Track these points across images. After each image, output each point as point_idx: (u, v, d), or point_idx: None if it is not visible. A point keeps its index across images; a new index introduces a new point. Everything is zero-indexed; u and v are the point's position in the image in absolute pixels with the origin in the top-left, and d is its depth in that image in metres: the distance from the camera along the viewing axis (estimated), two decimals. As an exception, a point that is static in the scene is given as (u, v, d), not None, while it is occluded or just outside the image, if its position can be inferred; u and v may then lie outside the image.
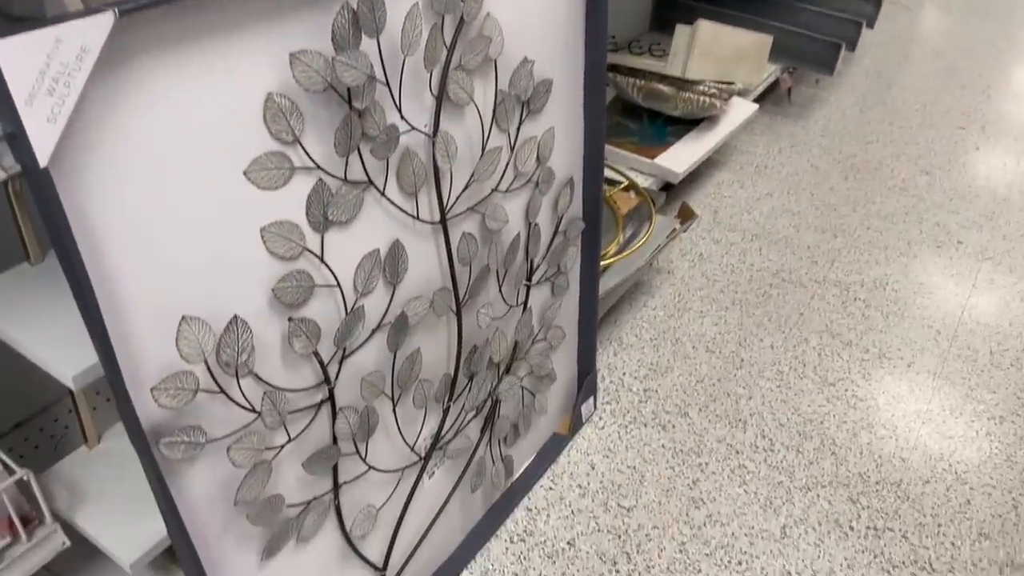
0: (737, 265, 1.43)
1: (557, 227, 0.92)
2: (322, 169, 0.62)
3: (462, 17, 0.68)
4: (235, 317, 0.57)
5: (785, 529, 0.99)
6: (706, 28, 1.41)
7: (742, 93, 1.68)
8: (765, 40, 1.65)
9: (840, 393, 1.17)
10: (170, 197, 0.53)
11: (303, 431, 0.67)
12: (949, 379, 1.20)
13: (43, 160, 0.45)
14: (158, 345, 0.54)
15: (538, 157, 0.83)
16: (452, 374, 0.82)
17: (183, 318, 0.54)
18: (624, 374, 1.19)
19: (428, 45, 0.65)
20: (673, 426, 1.11)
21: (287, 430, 0.65)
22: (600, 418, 1.12)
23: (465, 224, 0.77)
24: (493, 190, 0.79)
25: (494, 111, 0.75)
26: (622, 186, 1.37)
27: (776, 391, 1.17)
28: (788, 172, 1.70)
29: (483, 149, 0.75)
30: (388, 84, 0.63)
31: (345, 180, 0.64)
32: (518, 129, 0.80)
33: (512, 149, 0.80)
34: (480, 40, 0.70)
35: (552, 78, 0.82)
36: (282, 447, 0.65)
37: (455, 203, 0.75)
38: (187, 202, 0.54)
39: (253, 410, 0.61)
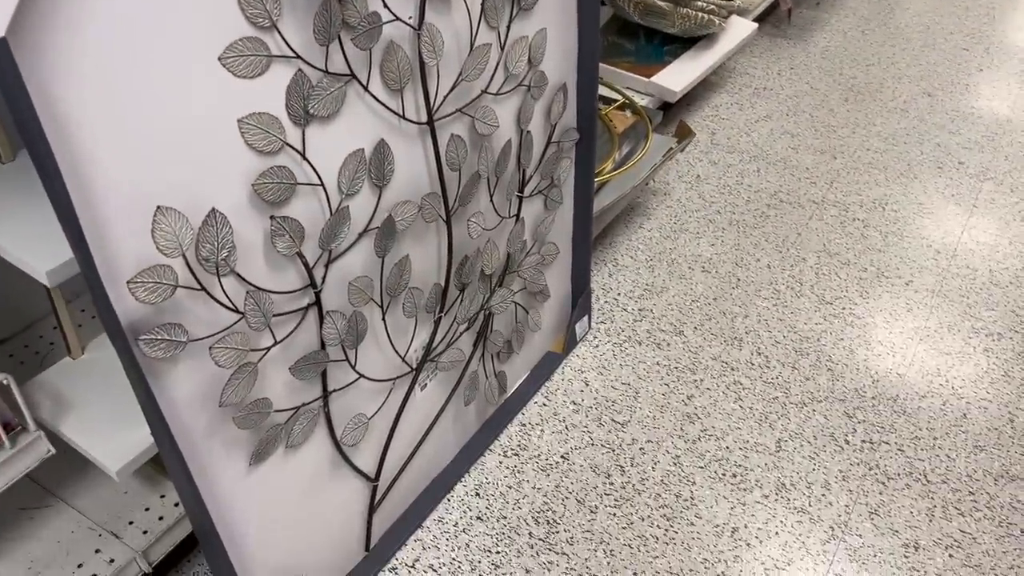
0: (734, 187, 1.40)
1: (550, 137, 0.89)
2: (301, 58, 0.59)
3: (448, -100, 0.64)
4: (213, 210, 0.55)
5: (780, 443, 0.98)
6: (705, -61, 1.36)
7: (741, 12, 1.63)
8: (766, -44, 1.59)
9: (837, 311, 1.16)
10: (142, 80, 0.50)
11: (289, 335, 0.65)
12: (947, 297, 1.19)
13: (1, 29, 0.42)
14: (135, 238, 0.52)
15: (530, 59, 0.80)
16: (443, 284, 0.80)
17: (158, 208, 0.52)
18: (619, 294, 1.18)
19: (412, -73, 0.62)
20: (668, 344, 1.10)
21: (272, 333, 0.63)
22: (595, 337, 1.11)
23: (454, 127, 0.74)
24: (483, 91, 0.76)
25: (483, 5, 0.72)
26: (617, 104, 1.33)
27: (772, 310, 1.16)
28: (787, 94, 1.67)
29: (471, 46, 0.72)
30: (368, -32, 0.60)
31: (326, 72, 0.61)
32: (508, 26, 0.76)
33: (502, 48, 0.77)
34: (467, -73, 0.67)
35: (544, -26, 0.78)
36: (268, 350, 0.63)
37: (443, 103, 0.72)
38: (160, 86, 0.51)
39: (236, 310, 0.60)
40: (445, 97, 0.72)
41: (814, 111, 1.61)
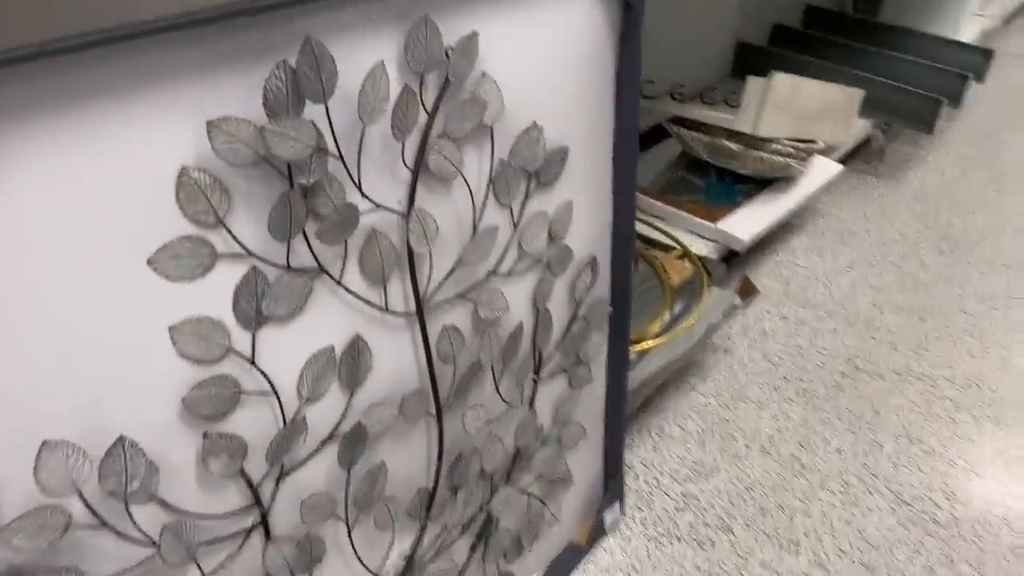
0: (806, 348, 1.26)
1: (575, 312, 0.79)
2: (255, 256, 0.51)
3: (447, 78, 0.57)
4: (120, 440, 0.47)
5: None
6: (782, 81, 1.27)
7: (826, 151, 1.52)
8: (855, 94, 1.48)
9: (917, 516, 1.00)
10: (41, 290, 0.43)
11: (225, 561, 0.56)
12: (1053, 507, 1.01)
13: None
14: (22, 476, 0.44)
15: (550, 235, 0.71)
16: (431, 488, 0.70)
17: (44, 444, 0.44)
18: (661, 473, 1.04)
19: (398, 111, 0.54)
20: (712, 543, 0.96)
21: (199, 565, 0.54)
22: (627, 527, 0.98)
23: (450, 314, 0.65)
24: (490, 273, 0.67)
25: (491, 184, 0.64)
26: (676, 253, 1.23)
27: (839, 507, 1.00)
28: (874, 241, 1.53)
29: (475, 228, 0.64)
30: (341, 157, 0.52)
31: (288, 268, 0.53)
32: (523, 204, 0.68)
33: (515, 226, 0.68)
34: (472, 104, 0.59)
35: (568, 146, 0.69)
36: (192, 585, 0.54)
37: (437, 290, 0.63)
38: (67, 299, 0.44)
39: (151, 543, 0.51)
40: (440, 284, 0.63)
41: (903, 262, 1.47)
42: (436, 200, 0.61)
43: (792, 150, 1.35)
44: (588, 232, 0.77)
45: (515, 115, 0.64)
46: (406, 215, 0.58)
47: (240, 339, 0.52)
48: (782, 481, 1.03)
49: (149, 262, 0.47)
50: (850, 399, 1.16)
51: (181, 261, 0.48)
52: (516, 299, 0.71)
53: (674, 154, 1.57)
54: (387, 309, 0.60)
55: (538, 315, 0.74)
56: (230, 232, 0.49)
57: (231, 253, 0.50)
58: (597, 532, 0.96)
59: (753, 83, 1.28)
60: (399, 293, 0.61)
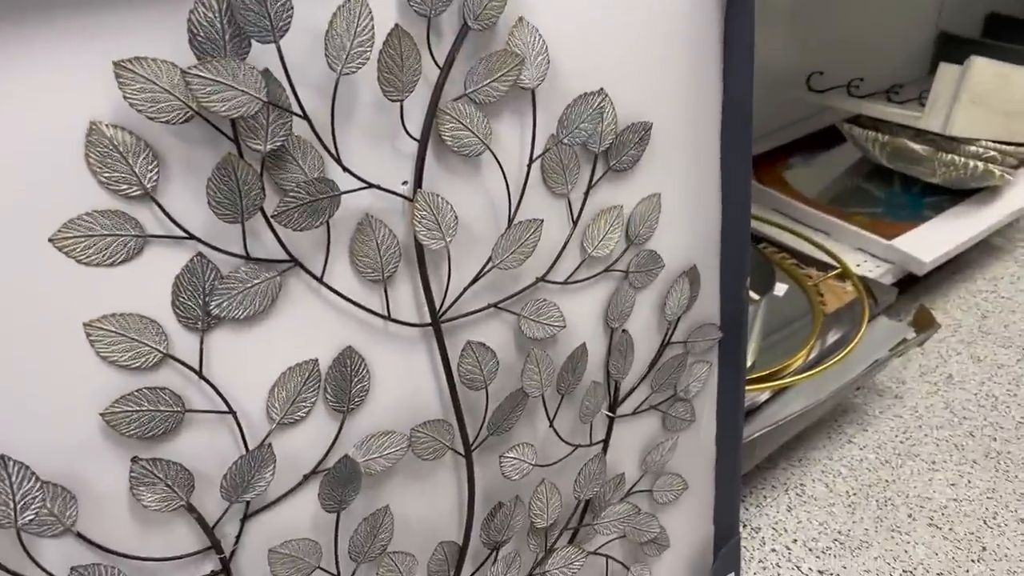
0: (1003, 399, 1.01)
1: (668, 335, 0.63)
2: (199, 239, 0.41)
3: (464, 22, 0.44)
4: (2, 459, 0.38)
5: None
6: (983, 68, 1.03)
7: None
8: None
9: None
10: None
11: (170, 617, 0.46)
12: None
13: None
14: None
15: (628, 236, 0.56)
16: (460, 543, 0.56)
17: None
18: (795, 541, 0.85)
19: (386, 59, 0.42)
20: (851, 639, 0.76)
21: (129, 618, 0.44)
22: (743, 603, 0.80)
23: (481, 329, 0.52)
24: (540, 279, 0.53)
25: (534, 166, 0.50)
26: (835, 273, 1.02)
27: (1034, 610, 0.77)
28: (1106, 269, 1.23)
29: (510, 220, 0.50)
30: (307, 117, 0.41)
31: (247, 257, 0.42)
32: (586, 194, 0.53)
33: (574, 222, 0.54)
34: (505, 58, 0.46)
35: (650, 121, 0.54)
36: (117, 645, 0.44)
37: (459, 297, 0.50)
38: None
39: (60, 590, 0.41)
40: (464, 290, 0.50)
41: None
42: (457, 182, 0.48)
43: (995, 154, 1.10)
44: (685, 235, 0.61)
45: (571, 76, 0.50)
46: (411, 198, 0.46)
47: (184, 343, 0.42)
48: (954, 566, 0.81)
49: (51, 240, 0.37)
50: (1060, 468, 0.91)
51: (96, 241, 0.38)
52: (580, 315, 0.57)
53: (851, 160, 1.35)
54: (389, 317, 0.48)
55: (612, 337, 0.59)
56: (161, 207, 0.39)
57: (167, 235, 0.40)
58: (703, 608, 0.78)
59: (945, 71, 1.05)
60: (409, 298, 0.49)
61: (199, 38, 0.37)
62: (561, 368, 0.56)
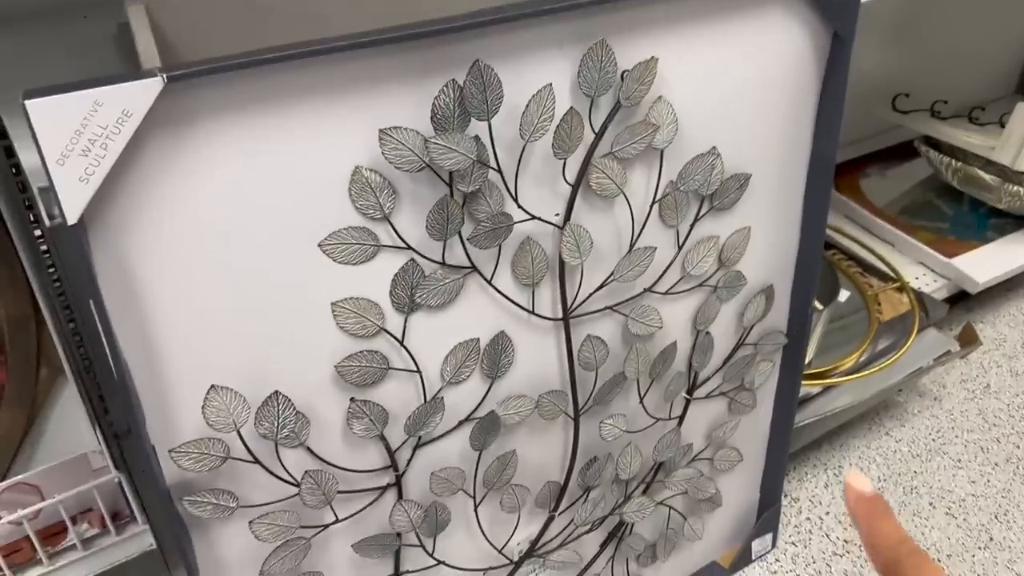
0: (1033, 412, 1.13)
1: (742, 338, 0.78)
2: (413, 250, 0.56)
3: (618, 101, 0.58)
4: (275, 393, 0.55)
5: None
6: (1058, 110, 1.12)
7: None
8: None
9: (1122, 627, 0.87)
10: (228, 261, 0.51)
11: (358, 513, 0.63)
12: None
13: (72, 217, 0.45)
14: (194, 409, 0.54)
15: (720, 259, 0.71)
16: (561, 483, 0.73)
17: (212, 387, 0.53)
18: (827, 513, 1.00)
19: (560, 131, 0.57)
20: (864, 598, 0.91)
21: (334, 511, 0.62)
22: (777, 560, 0.95)
23: (599, 324, 0.67)
24: (647, 290, 0.68)
25: (655, 205, 0.64)
26: (895, 285, 1.14)
27: (1025, 595, 0.91)
28: None
29: (631, 246, 0.65)
30: (500, 170, 0.56)
31: (443, 263, 0.58)
32: (692, 226, 0.68)
33: (679, 247, 0.68)
34: (643, 127, 0.60)
35: (750, 173, 0.68)
36: (325, 527, 0.62)
37: (586, 300, 0.65)
38: (248, 269, 0.52)
39: (296, 484, 0.59)
40: (590, 295, 0.65)
41: None
42: (596, 216, 0.63)
43: (1061, 187, 1.19)
44: (767, 260, 0.75)
45: (692, 138, 0.64)
46: (561, 227, 0.61)
47: (393, 321, 0.58)
48: (962, 550, 0.95)
49: (320, 245, 0.54)
50: (1073, 479, 1.03)
51: (348, 247, 0.54)
52: (674, 318, 0.72)
53: (925, 175, 1.44)
54: (533, 312, 0.64)
55: (697, 337, 0.74)
56: (393, 227, 0.55)
57: (393, 245, 0.56)
58: (743, 559, 0.94)
59: (1021, 111, 1.14)
60: (548, 299, 0.64)
61: (437, 116, 0.52)
62: (655, 358, 0.71)
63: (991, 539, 0.96)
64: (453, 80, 0.52)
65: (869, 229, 1.29)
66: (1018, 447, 1.07)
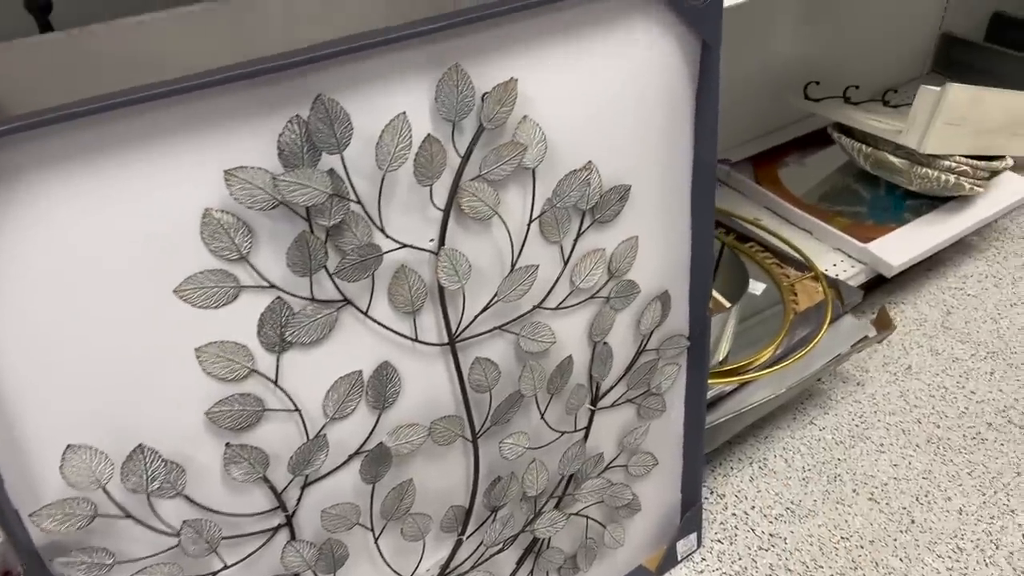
0: (952, 390, 1.15)
1: (642, 345, 0.77)
2: (279, 288, 0.55)
3: (481, 125, 0.57)
4: (139, 447, 0.53)
5: None
6: (958, 95, 1.13)
7: (1020, 168, 1.35)
8: (1063, 103, 1.30)
9: (1038, 600, 0.89)
10: (76, 313, 0.50)
11: (248, 557, 0.62)
12: None
13: None
14: (55, 468, 0.52)
15: (609, 270, 0.70)
16: (466, 506, 0.72)
17: (68, 447, 0.51)
18: (753, 507, 1.00)
19: (420, 159, 0.56)
20: (788, 591, 0.91)
21: (221, 557, 0.60)
22: (703, 559, 0.95)
23: (488, 345, 0.67)
24: (536, 307, 0.67)
25: (533, 223, 0.64)
26: (810, 274, 1.15)
27: (943, 574, 0.92)
28: (1069, 272, 1.34)
29: (512, 266, 0.64)
30: (360, 202, 0.55)
31: (312, 299, 0.57)
32: (575, 241, 0.67)
33: (565, 262, 0.67)
34: (511, 148, 0.59)
35: (629, 184, 0.68)
36: (215, 574, 0.60)
37: (472, 323, 0.65)
38: (101, 319, 0.50)
39: (175, 534, 0.57)
40: (475, 317, 0.65)
41: (1101, 301, 1.28)
42: (473, 238, 0.62)
43: (968, 168, 1.21)
44: (660, 267, 0.75)
45: (565, 154, 0.63)
46: (436, 252, 0.60)
47: (265, 361, 0.57)
48: (885, 535, 0.96)
49: (175, 291, 0.52)
50: (990, 455, 1.05)
51: (207, 291, 0.53)
52: (568, 332, 0.71)
53: (842, 161, 1.46)
54: (417, 340, 0.63)
55: (595, 349, 0.73)
56: (253, 267, 0.54)
57: (256, 285, 0.54)
58: (668, 561, 0.94)
59: (924, 95, 1.15)
60: (432, 324, 0.63)
61: (285, 153, 0.51)
62: (551, 374, 0.71)
63: (912, 522, 0.97)
64: (297, 116, 0.51)
65: (788, 219, 1.30)
66: (938, 427, 1.09)
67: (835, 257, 1.24)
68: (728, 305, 1.01)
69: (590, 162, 0.64)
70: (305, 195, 0.52)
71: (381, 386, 0.62)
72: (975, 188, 1.22)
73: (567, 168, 0.64)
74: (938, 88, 1.14)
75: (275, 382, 0.58)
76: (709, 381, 0.96)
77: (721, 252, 1.09)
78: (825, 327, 1.03)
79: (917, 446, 1.07)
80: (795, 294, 1.11)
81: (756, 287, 1.11)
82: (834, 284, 1.13)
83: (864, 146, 1.26)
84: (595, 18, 0.61)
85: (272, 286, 0.55)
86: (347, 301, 0.58)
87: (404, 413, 0.65)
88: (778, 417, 1.11)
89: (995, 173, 1.25)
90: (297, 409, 0.59)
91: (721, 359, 1.01)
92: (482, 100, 0.57)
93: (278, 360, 0.57)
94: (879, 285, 1.31)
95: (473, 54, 0.56)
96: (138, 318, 0.52)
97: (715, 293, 1.09)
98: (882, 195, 1.36)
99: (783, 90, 1.44)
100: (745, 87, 1.41)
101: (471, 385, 0.66)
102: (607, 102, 0.64)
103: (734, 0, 0.77)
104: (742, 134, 1.48)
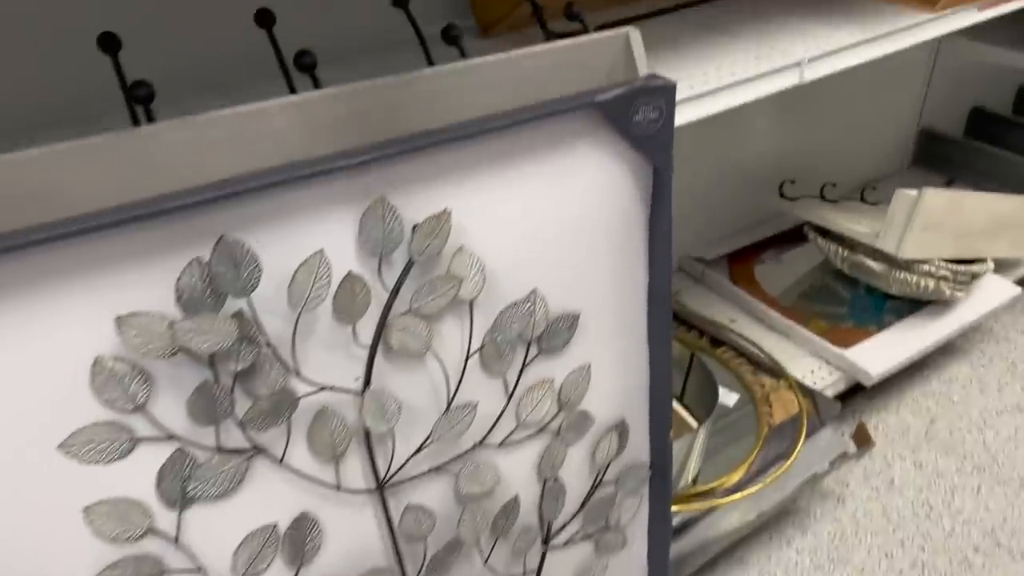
0: (937, 508, 1.08)
1: (599, 478, 0.72)
2: (180, 438, 0.50)
3: (411, 259, 0.53)
4: (11, 621, 0.47)
5: None
6: (933, 199, 1.10)
7: (1002, 269, 1.32)
8: (1041, 205, 1.28)
9: None
10: (-59, 478, 0.44)
11: None
12: None
13: None
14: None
15: (559, 402, 0.65)
16: (399, 663, 0.66)
17: (-79, 630, 0.45)
18: (725, 641, 0.93)
19: (340, 297, 0.51)
20: None
21: None
22: None
23: (423, 488, 0.61)
24: (477, 444, 0.62)
25: (472, 358, 0.59)
26: (786, 383, 1.10)
27: None
28: (1056, 378, 1.30)
29: (449, 403, 0.59)
30: (271, 346, 0.50)
31: (219, 449, 0.51)
32: (520, 373, 0.62)
33: (510, 397, 0.62)
34: (445, 280, 0.55)
35: (578, 312, 0.63)
36: None
37: (404, 466, 0.59)
38: (-31, 481, 0.45)
39: None
40: (407, 460, 0.59)
41: (1090, 410, 1.23)
42: (404, 375, 0.57)
43: (948, 273, 1.18)
44: (615, 395, 0.70)
45: (507, 284, 0.59)
46: (360, 393, 0.55)
47: (165, 518, 0.51)
48: None
49: (60, 446, 0.47)
50: (980, 583, 0.98)
51: (96, 445, 0.48)
52: (515, 469, 0.65)
53: (820, 259, 1.42)
54: (340, 487, 0.57)
55: (544, 485, 0.68)
56: (151, 417, 0.49)
57: (154, 436, 0.49)
58: None
59: (900, 198, 1.12)
60: (358, 469, 0.58)
61: (184, 298, 0.46)
62: (496, 516, 0.65)
63: (896, 661, 0.90)
64: (197, 259, 0.46)
65: (764, 321, 1.26)
66: (923, 550, 1.02)
67: (813, 363, 1.19)
68: (695, 426, 0.96)
69: (535, 291, 0.60)
70: (207, 342, 0.47)
71: (299, 539, 0.56)
72: (955, 293, 1.18)
73: (509, 298, 0.59)
74: (914, 192, 1.11)
75: (176, 540, 0.52)
76: (676, 507, 0.90)
77: (691, 361, 1.04)
78: (800, 445, 0.97)
79: (901, 571, 1.00)
80: (769, 404, 1.06)
81: (729, 397, 1.06)
82: (810, 394, 1.08)
83: (841, 248, 1.23)
84: (536, 144, 0.57)
85: (172, 437, 0.50)
86: (258, 450, 0.53)
87: (326, 568, 0.59)
88: (753, 538, 1.05)
89: (976, 277, 1.21)
90: (200, 570, 0.53)
91: (691, 479, 0.95)
92: (412, 231, 0.53)
93: (180, 516, 0.52)
94: (860, 391, 1.26)
95: (401, 184, 0.52)
96: (18, 476, 0.46)
97: (685, 405, 1.04)
98: (862, 295, 1.33)
99: (758, 188, 1.41)
100: (720, 184, 1.38)
101: (403, 535, 0.61)
102: (552, 228, 0.60)
103: (687, 119, 0.74)
104: (717, 231, 1.45)
